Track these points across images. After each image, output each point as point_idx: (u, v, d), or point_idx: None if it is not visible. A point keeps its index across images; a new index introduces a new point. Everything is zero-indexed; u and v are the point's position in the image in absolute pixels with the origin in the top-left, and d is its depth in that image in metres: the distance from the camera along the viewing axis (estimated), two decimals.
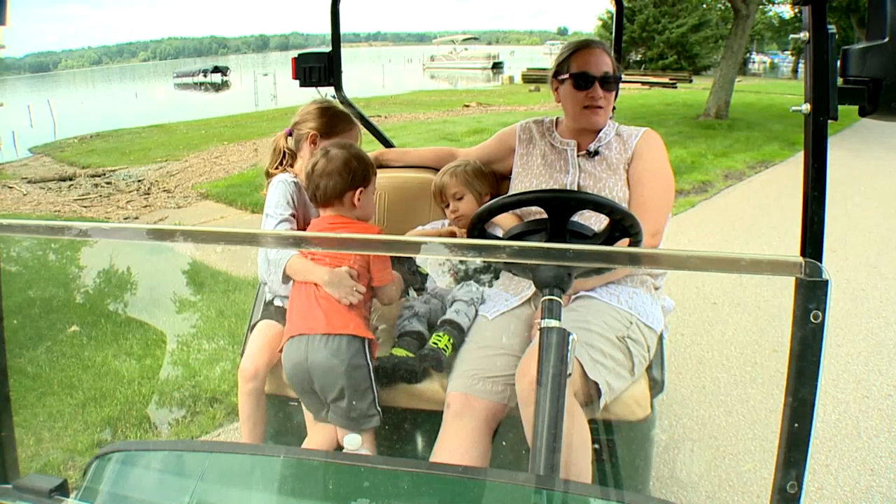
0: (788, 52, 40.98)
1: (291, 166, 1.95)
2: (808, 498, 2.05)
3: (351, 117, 2.00)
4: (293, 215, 1.81)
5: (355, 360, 1.58)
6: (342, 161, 1.67)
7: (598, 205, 1.38)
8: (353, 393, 1.58)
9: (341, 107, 1.99)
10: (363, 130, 2.23)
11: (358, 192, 1.69)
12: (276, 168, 1.94)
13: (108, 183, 8.65)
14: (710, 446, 2.34)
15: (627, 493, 1.40)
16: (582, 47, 1.89)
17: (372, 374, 1.60)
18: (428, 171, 2.22)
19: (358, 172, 1.69)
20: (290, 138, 1.96)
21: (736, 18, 11.74)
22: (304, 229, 1.83)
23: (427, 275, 2.02)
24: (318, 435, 1.66)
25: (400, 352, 1.67)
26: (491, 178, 2.10)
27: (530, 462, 0.95)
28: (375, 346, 1.67)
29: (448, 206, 2.06)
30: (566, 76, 1.88)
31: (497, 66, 39.11)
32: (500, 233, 1.83)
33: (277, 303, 1.87)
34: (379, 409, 1.60)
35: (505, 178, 2.08)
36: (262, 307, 1.92)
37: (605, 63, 1.85)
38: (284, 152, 1.95)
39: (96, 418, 2.57)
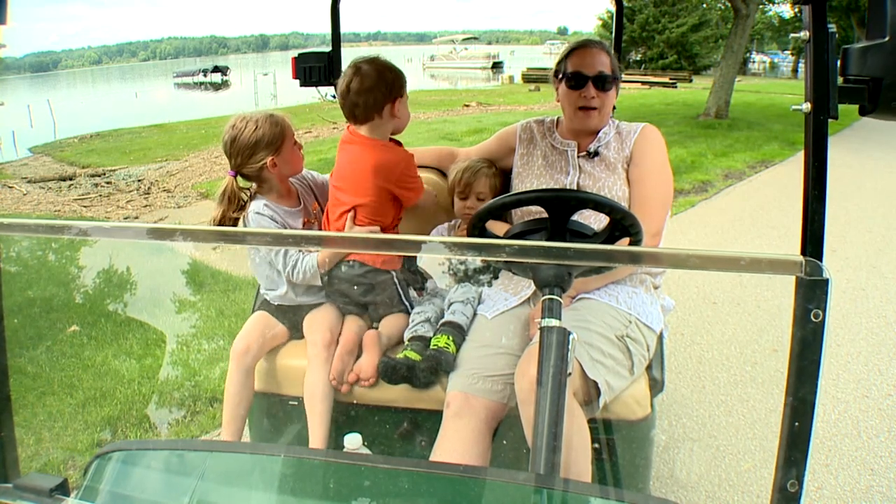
0: (788, 52, 41.00)
1: (250, 200, 1.81)
2: (808, 498, 2.05)
3: (280, 116, 1.74)
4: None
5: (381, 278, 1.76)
6: (377, 75, 1.66)
7: (598, 204, 1.38)
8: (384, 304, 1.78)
9: (258, 115, 1.71)
10: None
11: (396, 102, 1.70)
12: (237, 210, 1.79)
13: (108, 182, 8.66)
14: (710, 446, 2.34)
15: (627, 492, 1.40)
16: (579, 47, 1.88)
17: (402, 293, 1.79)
18: (429, 170, 2.22)
19: (395, 84, 1.69)
20: (238, 178, 1.78)
21: (736, 18, 11.74)
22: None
23: (427, 276, 2.01)
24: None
25: (411, 354, 1.67)
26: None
27: (530, 461, 0.95)
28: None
29: (466, 199, 2.02)
30: (562, 76, 1.88)
31: (497, 66, 39.15)
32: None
33: (274, 301, 1.88)
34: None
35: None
36: (259, 303, 1.94)
37: (600, 63, 1.83)
38: (238, 194, 1.79)
39: (96, 418, 2.57)
